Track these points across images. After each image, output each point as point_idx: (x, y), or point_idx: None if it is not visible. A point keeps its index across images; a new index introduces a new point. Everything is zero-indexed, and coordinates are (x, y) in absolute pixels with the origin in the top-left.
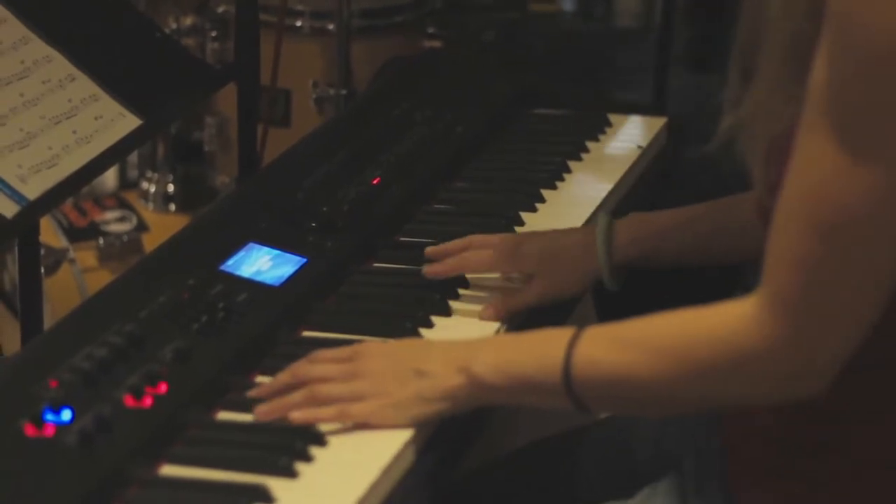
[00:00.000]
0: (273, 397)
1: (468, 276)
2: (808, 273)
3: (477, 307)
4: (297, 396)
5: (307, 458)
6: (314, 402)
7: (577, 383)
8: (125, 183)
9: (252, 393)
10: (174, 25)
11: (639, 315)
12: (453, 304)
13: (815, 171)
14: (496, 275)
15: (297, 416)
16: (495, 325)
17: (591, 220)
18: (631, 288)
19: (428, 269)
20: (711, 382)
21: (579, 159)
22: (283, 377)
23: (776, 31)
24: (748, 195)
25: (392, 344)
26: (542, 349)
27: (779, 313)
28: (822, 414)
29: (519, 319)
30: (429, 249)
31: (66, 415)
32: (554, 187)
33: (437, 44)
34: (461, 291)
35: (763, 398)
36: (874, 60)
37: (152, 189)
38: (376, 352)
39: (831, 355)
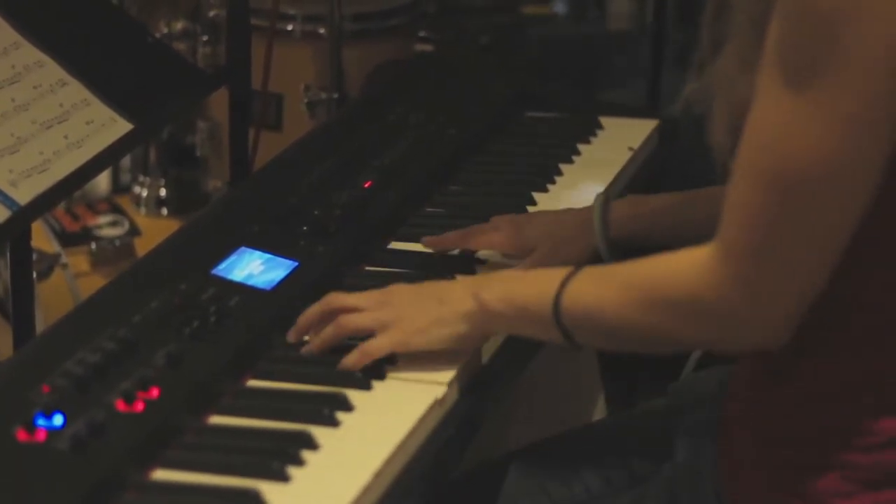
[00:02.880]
0: (305, 328)
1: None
2: (755, 222)
3: None
4: (327, 330)
5: (299, 463)
6: (342, 333)
7: (564, 315)
8: (117, 187)
9: (290, 335)
10: (166, 30)
11: None
12: None
13: (766, 124)
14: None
15: (344, 363)
16: None
17: None
18: None
19: (426, 242)
20: (670, 320)
21: (571, 162)
22: (316, 307)
23: (740, 1)
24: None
25: (420, 283)
26: (542, 282)
27: (728, 260)
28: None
29: None
30: (428, 242)
31: (58, 420)
32: (545, 190)
33: (428, 47)
34: None
35: (719, 342)
36: (818, 18)
37: (144, 193)
38: (406, 286)
39: (782, 306)
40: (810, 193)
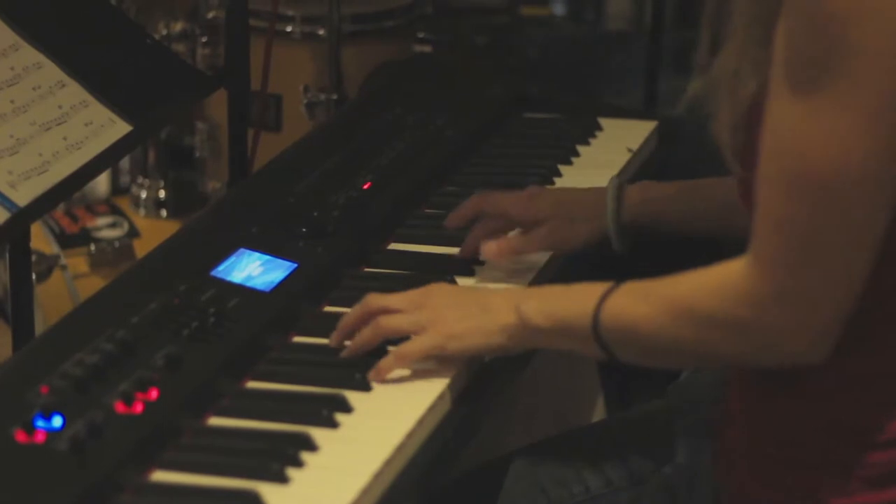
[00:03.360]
0: (346, 331)
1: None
2: (787, 233)
3: None
4: (365, 332)
5: (298, 464)
6: (380, 335)
7: (604, 331)
8: (117, 189)
9: (333, 338)
10: (164, 31)
11: None
12: None
13: (785, 129)
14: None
15: (370, 375)
16: None
17: None
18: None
19: (448, 222)
20: (710, 337)
21: (570, 163)
22: (355, 309)
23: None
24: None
25: (457, 286)
26: (582, 297)
27: (764, 271)
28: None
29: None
30: (449, 221)
31: (57, 421)
32: None
33: (427, 48)
34: None
35: (757, 357)
36: (830, 17)
37: (144, 195)
38: (444, 289)
39: (820, 316)
40: (839, 196)
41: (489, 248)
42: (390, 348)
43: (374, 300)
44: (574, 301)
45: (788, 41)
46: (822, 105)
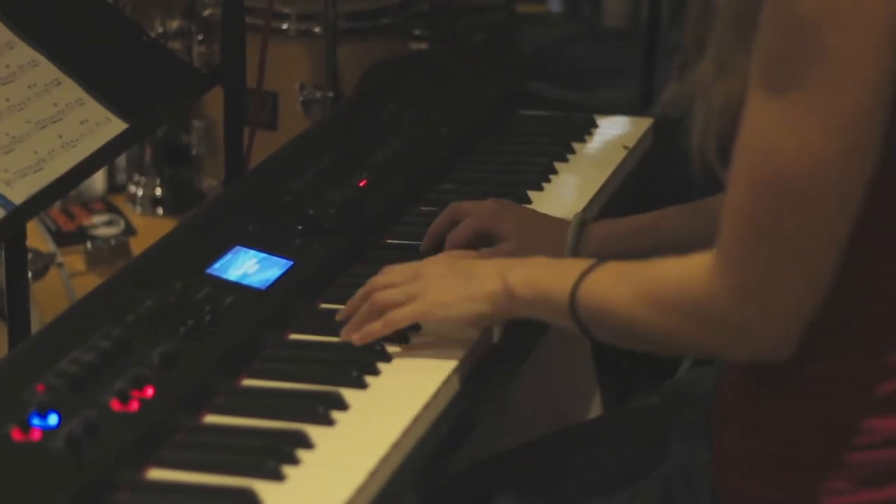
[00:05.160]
0: (350, 312)
1: None
2: (750, 228)
3: None
4: (363, 311)
5: (294, 462)
6: (376, 310)
7: (580, 306)
8: (113, 187)
9: (339, 316)
10: (160, 29)
11: None
12: None
13: (756, 130)
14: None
15: (356, 337)
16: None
17: None
18: None
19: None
20: (677, 325)
21: (566, 160)
22: (362, 289)
23: (720, 5)
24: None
25: (454, 253)
26: (565, 271)
27: (726, 266)
28: (806, 407)
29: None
30: (424, 243)
31: (53, 419)
32: (540, 188)
33: (423, 46)
34: None
35: (723, 349)
36: (801, 22)
37: (140, 193)
38: (440, 259)
39: (782, 314)
40: (805, 198)
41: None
42: (380, 320)
43: (376, 278)
44: (557, 274)
45: (764, 45)
46: (792, 107)
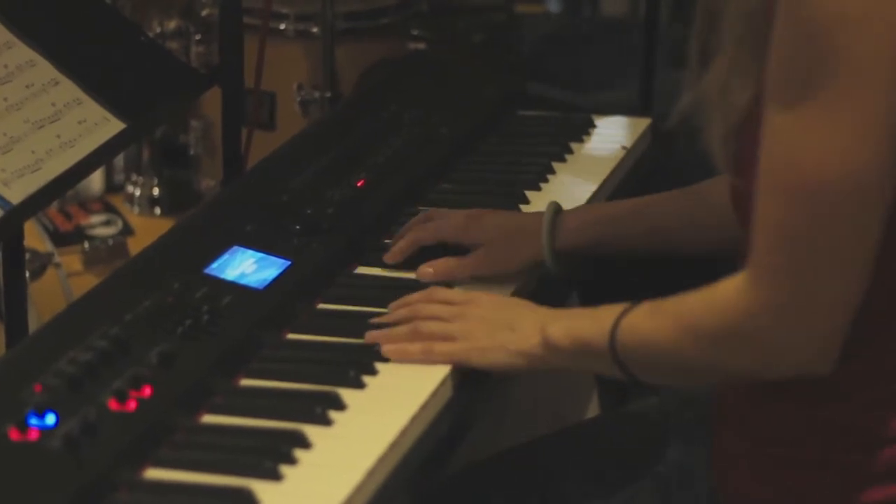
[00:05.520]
0: (390, 320)
1: None
2: (785, 241)
3: None
4: (402, 329)
5: (292, 461)
6: (416, 338)
7: (620, 348)
8: (111, 187)
9: (373, 320)
10: (158, 29)
11: None
12: None
13: (782, 140)
14: None
15: (389, 348)
16: None
17: None
18: (615, 289)
19: (387, 258)
20: (714, 351)
21: (563, 160)
22: (402, 310)
23: (731, 12)
24: (713, 182)
25: (501, 298)
26: (603, 316)
27: (764, 283)
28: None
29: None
30: (390, 258)
31: (51, 419)
32: (538, 189)
33: (421, 46)
34: None
35: (763, 370)
36: (824, 27)
37: (138, 193)
38: (486, 301)
39: (820, 326)
40: (831, 204)
41: (424, 273)
42: (420, 343)
43: (418, 306)
44: (595, 320)
45: (779, 52)
46: (814, 116)
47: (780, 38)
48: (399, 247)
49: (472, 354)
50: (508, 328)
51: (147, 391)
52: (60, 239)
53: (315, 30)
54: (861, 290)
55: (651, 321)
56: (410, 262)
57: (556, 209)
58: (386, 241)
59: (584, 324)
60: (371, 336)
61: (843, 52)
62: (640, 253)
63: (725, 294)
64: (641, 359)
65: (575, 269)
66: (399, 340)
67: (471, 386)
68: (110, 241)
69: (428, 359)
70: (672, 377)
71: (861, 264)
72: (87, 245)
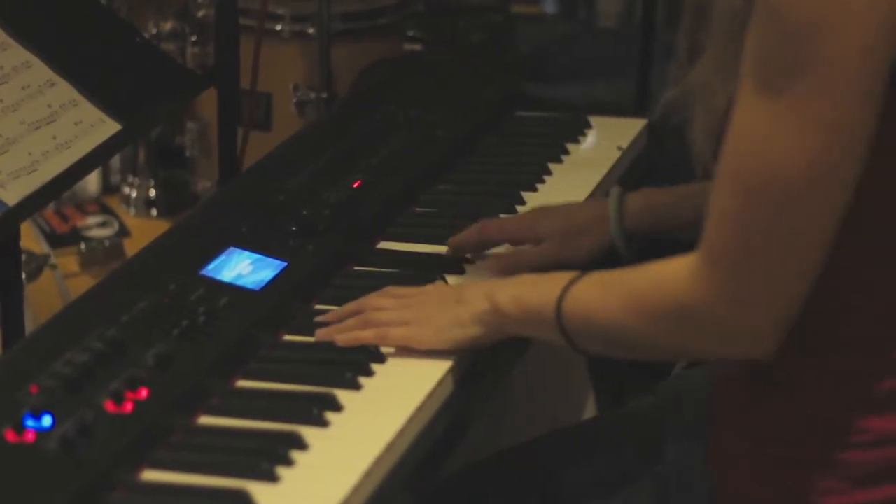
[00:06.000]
0: (335, 323)
1: None
2: (738, 230)
3: None
4: (351, 321)
5: (288, 463)
6: (367, 326)
7: (565, 318)
8: (107, 188)
9: (318, 318)
10: (154, 30)
11: None
12: None
13: (746, 132)
14: None
15: (341, 337)
16: None
17: None
18: None
19: (451, 242)
20: (659, 330)
21: (560, 161)
22: (350, 305)
23: (717, 11)
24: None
25: (448, 285)
26: (550, 285)
27: (712, 268)
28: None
29: None
30: (451, 244)
31: (47, 421)
32: (534, 189)
33: (418, 47)
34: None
35: (709, 351)
36: (794, 25)
37: (134, 194)
38: (433, 288)
39: (767, 314)
40: (792, 200)
41: (495, 267)
42: (372, 329)
43: (369, 299)
44: (542, 289)
45: (756, 44)
46: (784, 110)
47: (754, 33)
48: (464, 237)
49: (427, 335)
50: (457, 302)
51: (143, 393)
52: (57, 240)
53: (311, 30)
54: (809, 282)
55: (596, 293)
56: (406, 262)
57: (621, 192)
58: (382, 242)
59: (532, 291)
60: (321, 333)
61: (816, 54)
62: (686, 237)
63: (675, 275)
64: (585, 330)
65: (641, 251)
66: (350, 329)
67: (468, 386)
68: (107, 243)
69: (381, 340)
70: (615, 350)
71: (811, 257)
72: (83, 246)
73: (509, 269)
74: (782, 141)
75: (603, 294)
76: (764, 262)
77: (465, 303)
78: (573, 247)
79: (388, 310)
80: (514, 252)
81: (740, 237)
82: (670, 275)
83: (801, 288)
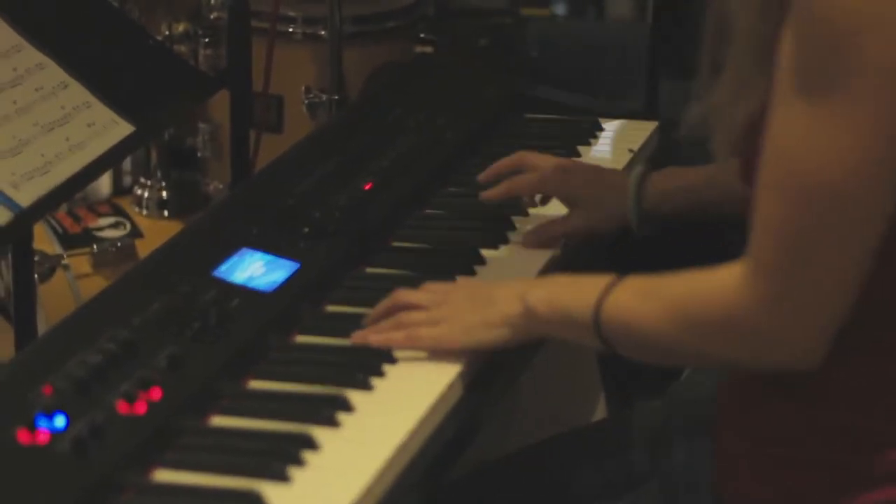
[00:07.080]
0: (372, 322)
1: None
2: (784, 238)
3: None
4: (385, 323)
5: (300, 463)
6: (400, 327)
7: (604, 324)
8: (119, 189)
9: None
10: (167, 32)
11: None
12: None
13: (787, 139)
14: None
15: (373, 338)
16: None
17: None
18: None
19: (484, 195)
20: (703, 339)
21: None
22: (385, 302)
23: (737, 28)
24: None
25: (481, 281)
26: (586, 289)
27: (760, 277)
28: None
29: None
30: (482, 175)
31: (60, 421)
32: None
33: (428, 49)
34: None
35: (752, 361)
36: (836, 30)
37: (146, 195)
38: (465, 284)
39: (814, 322)
40: (838, 206)
41: (531, 240)
42: (403, 330)
43: (401, 296)
44: (578, 292)
45: (794, 50)
46: (824, 116)
47: (795, 35)
48: (494, 192)
49: (457, 335)
50: (489, 303)
51: (156, 393)
52: (69, 241)
53: (323, 33)
54: (856, 289)
55: (639, 303)
56: (417, 263)
57: (643, 172)
58: (393, 243)
59: (568, 294)
60: (357, 336)
61: (854, 59)
62: (711, 218)
63: (722, 285)
64: (626, 338)
65: (655, 230)
66: (383, 331)
67: (479, 388)
68: (119, 244)
69: (414, 344)
70: (657, 357)
71: (857, 264)
72: (95, 247)
73: (544, 242)
74: (826, 147)
75: (643, 302)
76: (812, 270)
77: (497, 303)
78: (601, 216)
79: (420, 308)
80: (544, 226)
81: (785, 246)
82: (716, 285)
83: (848, 293)
